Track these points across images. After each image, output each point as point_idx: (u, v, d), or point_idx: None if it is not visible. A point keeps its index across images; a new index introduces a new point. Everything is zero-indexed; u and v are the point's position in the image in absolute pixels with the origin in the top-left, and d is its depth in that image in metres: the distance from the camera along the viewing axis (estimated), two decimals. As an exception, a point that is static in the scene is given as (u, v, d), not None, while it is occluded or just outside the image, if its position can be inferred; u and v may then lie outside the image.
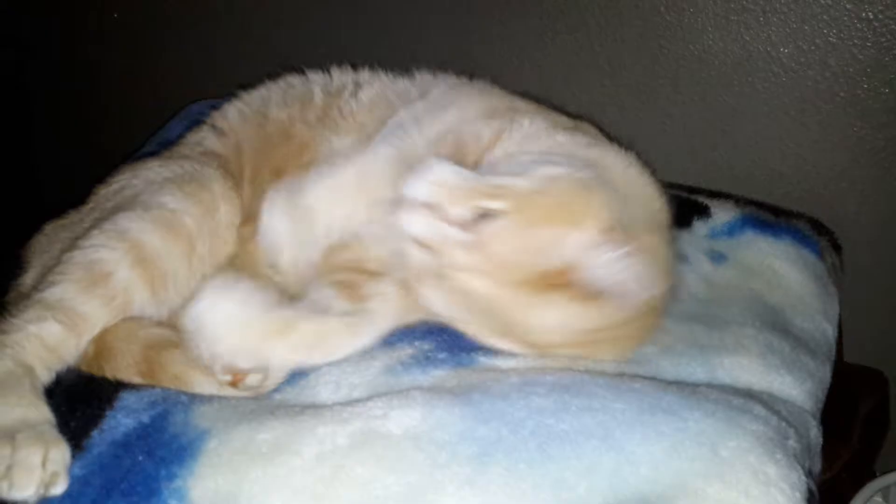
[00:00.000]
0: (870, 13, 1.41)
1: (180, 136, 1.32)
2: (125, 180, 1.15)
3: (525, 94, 1.20)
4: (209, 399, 0.89)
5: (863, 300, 1.46)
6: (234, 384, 0.92)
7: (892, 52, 1.42)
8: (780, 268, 1.18)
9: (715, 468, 0.75)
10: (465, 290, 0.89)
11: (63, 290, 0.97)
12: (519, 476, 0.76)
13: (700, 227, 1.26)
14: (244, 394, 0.92)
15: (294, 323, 0.91)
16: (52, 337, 0.94)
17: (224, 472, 0.79)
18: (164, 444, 0.82)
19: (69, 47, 2.28)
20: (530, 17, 1.69)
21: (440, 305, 0.93)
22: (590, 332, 0.90)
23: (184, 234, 1.07)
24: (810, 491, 0.77)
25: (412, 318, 1.01)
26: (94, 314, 0.98)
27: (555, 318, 0.89)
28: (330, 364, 0.94)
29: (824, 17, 1.45)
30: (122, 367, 0.97)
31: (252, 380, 0.92)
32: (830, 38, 1.45)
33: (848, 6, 1.42)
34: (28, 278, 1.08)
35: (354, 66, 1.29)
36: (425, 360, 0.93)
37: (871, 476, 1.40)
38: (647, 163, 1.07)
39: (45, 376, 0.93)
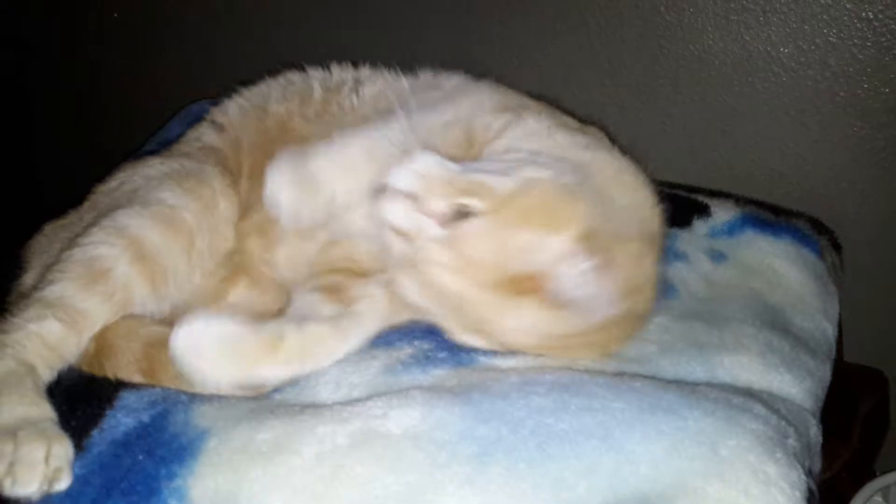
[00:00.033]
0: (870, 13, 1.41)
1: (180, 136, 1.32)
2: (124, 178, 1.16)
3: (527, 95, 1.20)
4: (209, 398, 0.89)
5: (863, 300, 1.46)
6: None
7: (892, 52, 1.42)
8: (780, 267, 1.18)
9: (715, 467, 0.75)
10: (436, 285, 0.89)
11: (63, 288, 0.97)
12: (519, 475, 0.76)
13: (700, 227, 1.26)
14: (244, 394, 0.92)
15: (281, 338, 0.89)
16: (53, 335, 0.94)
17: (224, 471, 0.79)
18: (165, 444, 0.82)
19: (69, 47, 2.28)
20: (530, 17, 1.69)
21: (414, 296, 0.93)
22: (561, 337, 0.90)
23: (183, 230, 1.07)
24: (810, 490, 0.77)
25: (400, 318, 1.01)
26: (95, 311, 0.98)
27: (524, 322, 0.89)
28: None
29: (824, 16, 1.45)
30: (123, 365, 0.97)
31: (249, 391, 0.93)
32: (830, 38, 1.45)
33: (848, 6, 1.42)
34: (28, 278, 1.08)
35: (355, 65, 1.29)
36: (425, 360, 0.93)
37: (871, 476, 1.40)
38: (647, 164, 1.07)
39: (47, 375, 0.93)
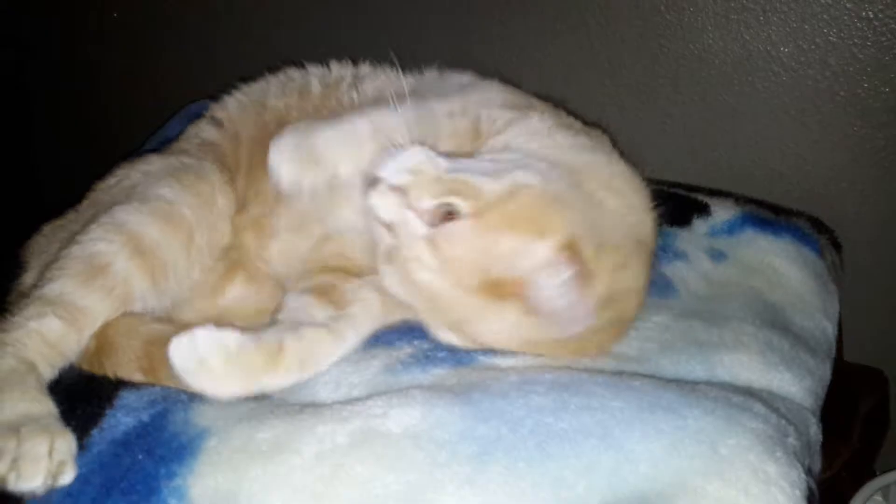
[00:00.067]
0: (870, 12, 1.41)
1: (180, 134, 1.33)
2: (122, 175, 1.16)
3: (533, 96, 1.20)
4: (209, 398, 0.89)
5: (863, 300, 1.46)
6: None
7: (892, 52, 1.42)
8: (780, 266, 1.18)
9: (714, 466, 0.75)
10: (416, 282, 0.90)
11: (62, 285, 0.97)
12: (518, 475, 0.76)
13: (700, 226, 1.26)
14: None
15: (280, 349, 0.88)
16: (53, 333, 0.94)
17: (224, 470, 0.79)
18: (164, 443, 0.82)
19: (69, 47, 2.28)
20: (530, 17, 1.69)
21: (396, 289, 0.94)
22: (537, 342, 0.91)
23: (182, 226, 1.07)
24: (810, 489, 0.77)
25: (395, 317, 1.01)
26: (95, 307, 0.98)
27: (502, 326, 0.90)
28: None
29: (824, 16, 1.45)
30: (124, 363, 0.97)
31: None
32: (831, 38, 1.45)
33: (848, 5, 1.42)
34: (27, 278, 1.09)
35: (354, 64, 1.29)
36: (425, 359, 0.93)
37: (871, 475, 1.40)
38: (644, 167, 1.07)
39: (48, 373, 0.93)
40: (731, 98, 1.57)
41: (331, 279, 1.03)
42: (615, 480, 0.75)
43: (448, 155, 0.96)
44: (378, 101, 1.12)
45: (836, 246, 1.33)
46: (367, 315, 0.99)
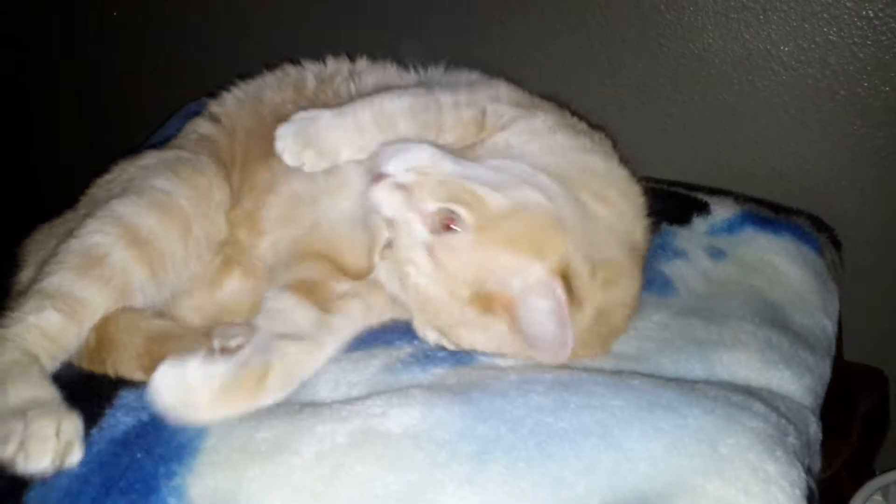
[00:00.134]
0: (870, 11, 1.41)
1: (178, 133, 1.33)
2: (119, 170, 1.16)
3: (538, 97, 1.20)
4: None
5: (863, 299, 1.46)
6: None
7: (892, 51, 1.41)
8: (780, 264, 1.18)
9: (714, 465, 0.75)
10: (411, 284, 0.90)
11: (60, 279, 0.97)
12: (518, 474, 0.76)
13: (700, 224, 1.26)
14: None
15: (265, 374, 0.86)
16: (53, 326, 0.95)
17: (223, 470, 0.79)
18: (163, 442, 0.82)
19: (69, 47, 2.28)
20: (530, 17, 1.69)
21: (389, 284, 0.95)
22: (523, 355, 0.91)
23: (179, 216, 1.07)
24: (810, 488, 0.77)
25: (385, 317, 1.02)
26: (93, 299, 0.98)
27: (487, 338, 0.91)
28: (328, 362, 0.94)
29: (824, 15, 1.44)
30: (124, 360, 0.97)
31: None
32: (831, 37, 1.45)
33: (848, 4, 1.42)
34: (25, 276, 1.09)
35: (352, 61, 1.29)
36: (425, 359, 0.93)
37: (871, 474, 1.39)
38: (646, 165, 1.07)
39: (50, 365, 0.93)
40: (731, 97, 1.57)
41: (315, 273, 1.02)
42: (615, 480, 0.75)
43: (453, 152, 0.96)
44: (380, 91, 1.11)
45: (836, 244, 1.33)
46: (350, 323, 0.98)
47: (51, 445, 0.81)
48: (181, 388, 0.82)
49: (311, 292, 0.98)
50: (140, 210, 1.04)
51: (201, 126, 1.26)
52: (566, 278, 0.86)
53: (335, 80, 1.23)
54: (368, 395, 0.87)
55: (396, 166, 0.91)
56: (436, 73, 1.25)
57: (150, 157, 1.16)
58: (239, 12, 2.00)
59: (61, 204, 1.19)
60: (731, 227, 1.25)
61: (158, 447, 0.82)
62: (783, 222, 1.25)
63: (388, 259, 0.93)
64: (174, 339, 0.98)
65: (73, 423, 0.84)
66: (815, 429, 0.94)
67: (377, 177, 0.92)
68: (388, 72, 1.25)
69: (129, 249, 1.01)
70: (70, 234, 1.03)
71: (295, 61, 1.30)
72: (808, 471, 0.80)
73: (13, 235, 1.18)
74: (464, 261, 0.88)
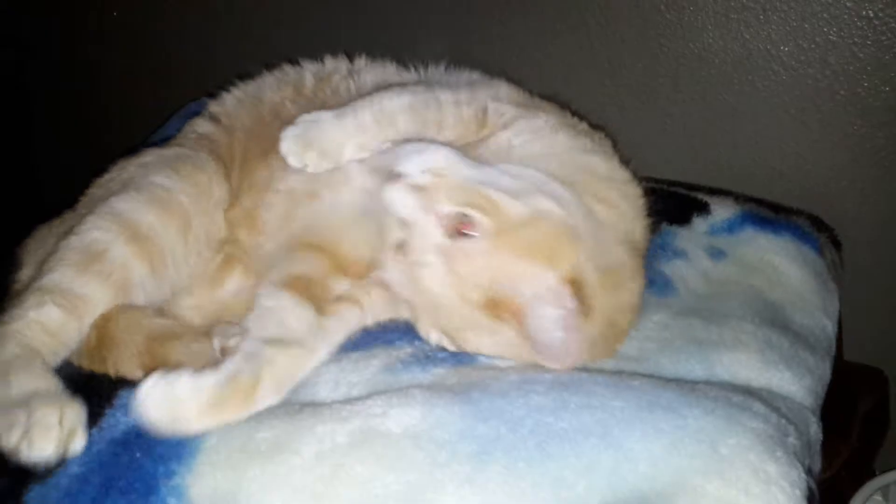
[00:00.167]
0: (870, 11, 1.41)
1: (178, 132, 1.33)
2: (119, 169, 1.16)
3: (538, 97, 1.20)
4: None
5: (863, 299, 1.45)
6: None
7: (892, 51, 1.41)
8: (780, 264, 1.18)
9: (715, 465, 0.75)
10: (424, 287, 0.90)
11: (60, 275, 0.98)
12: (518, 474, 0.76)
13: (700, 224, 1.26)
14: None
15: (255, 385, 0.85)
16: (53, 321, 0.95)
17: (223, 470, 0.79)
18: (163, 442, 0.82)
19: (69, 47, 2.28)
20: (530, 17, 1.69)
21: (398, 285, 0.94)
22: (529, 360, 0.91)
23: (179, 212, 1.08)
24: (810, 489, 0.77)
25: (381, 317, 1.01)
26: (93, 295, 0.98)
27: (495, 342, 0.91)
28: (328, 363, 0.94)
29: (824, 15, 1.44)
30: (125, 358, 0.97)
31: None
32: (831, 37, 1.45)
33: (848, 4, 1.42)
34: (24, 275, 1.09)
35: (351, 61, 1.29)
36: (425, 359, 0.93)
37: (871, 475, 1.39)
38: (646, 165, 1.07)
39: (51, 360, 0.94)
40: (731, 97, 1.57)
41: (312, 267, 1.01)
42: (615, 480, 0.75)
43: (469, 157, 0.95)
44: (380, 89, 1.12)
45: (836, 244, 1.33)
46: (343, 327, 0.97)
47: (54, 433, 0.81)
48: (169, 402, 0.81)
49: (307, 290, 0.97)
50: (139, 206, 1.05)
51: (201, 126, 1.27)
52: (577, 287, 0.86)
53: (333, 79, 1.23)
54: (368, 395, 0.87)
55: (413, 167, 0.91)
56: (436, 72, 1.25)
57: (149, 155, 1.17)
58: (239, 12, 2.00)
59: (61, 204, 1.19)
60: (731, 227, 1.25)
61: (158, 447, 0.82)
62: (783, 222, 1.25)
63: (400, 260, 0.92)
64: (175, 337, 0.98)
65: (75, 412, 0.84)
66: (815, 429, 0.94)
67: (393, 176, 0.91)
68: (388, 70, 1.25)
69: (129, 245, 1.02)
70: (70, 231, 1.03)
71: (294, 61, 1.30)
72: (809, 471, 0.80)
73: (13, 235, 1.18)
74: (477, 266, 0.87)
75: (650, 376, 0.90)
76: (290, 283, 0.98)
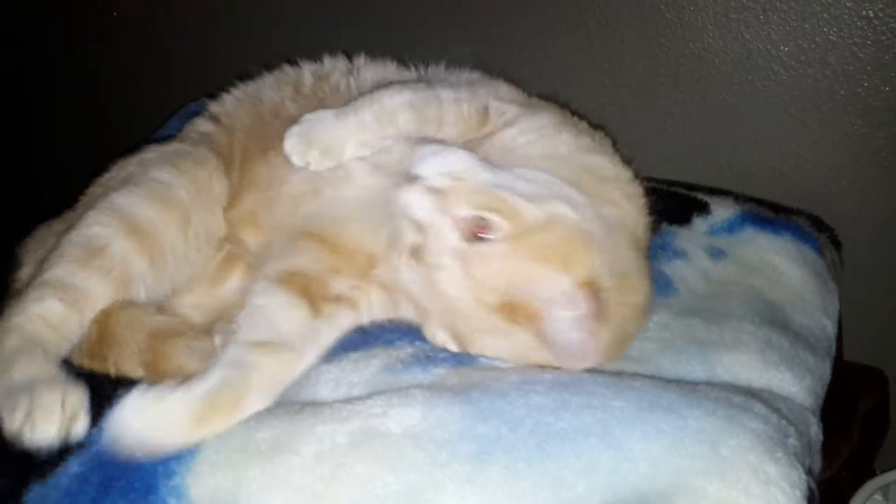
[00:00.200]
0: (870, 11, 1.41)
1: (178, 131, 1.33)
2: (119, 167, 1.17)
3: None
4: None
5: (863, 299, 1.45)
6: None
7: (892, 51, 1.41)
8: (780, 264, 1.17)
9: (715, 466, 0.75)
10: (440, 291, 0.90)
11: (61, 270, 0.98)
12: (518, 474, 0.76)
13: (700, 224, 1.26)
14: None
15: (244, 396, 0.84)
16: (54, 315, 0.95)
17: (223, 470, 0.79)
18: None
19: (69, 47, 2.28)
20: (530, 17, 1.68)
21: (411, 287, 0.94)
22: (542, 363, 0.91)
23: (179, 207, 1.08)
24: (810, 489, 0.77)
25: (380, 317, 1.01)
26: (95, 289, 0.99)
27: (509, 346, 0.91)
28: (328, 363, 0.94)
29: (824, 15, 1.44)
30: (126, 356, 0.97)
31: None
32: (831, 37, 1.45)
33: (848, 4, 1.42)
34: (24, 274, 1.09)
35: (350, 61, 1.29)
36: (426, 359, 0.93)
37: (871, 474, 1.39)
38: (646, 165, 1.07)
39: (53, 353, 0.94)
40: (731, 97, 1.57)
41: (312, 260, 1.01)
42: (615, 480, 0.75)
43: (484, 160, 0.95)
44: (380, 87, 1.12)
45: (836, 244, 1.33)
46: (336, 330, 0.96)
47: (56, 416, 0.82)
48: (151, 421, 0.79)
49: (304, 287, 0.97)
50: (139, 201, 1.05)
51: (201, 125, 1.27)
52: (593, 291, 0.86)
53: (333, 77, 1.24)
54: (369, 395, 0.87)
55: (430, 170, 0.91)
56: (436, 72, 1.25)
57: (149, 152, 1.17)
58: (239, 12, 2.00)
59: (61, 204, 1.20)
60: (731, 227, 1.25)
61: (158, 447, 0.82)
62: (783, 222, 1.25)
63: (414, 262, 0.92)
64: (177, 335, 0.98)
65: (78, 395, 0.85)
66: (815, 430, 0.94)
67: (410, 179, 0.91)
68: (388, 69, 1.25)
69: (129, 240, 1.02)
70: (71, 227, 1.04)
71: (294, 62, 1.30)
72: (809, 472, 0.80)
73: (13, 235, 1.18)
74: (494, 269, 0.87)
75: (651, 377, 0.90)
76: (287, 279, 0.97)
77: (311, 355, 0.92)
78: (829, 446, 0.98)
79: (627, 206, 1.01)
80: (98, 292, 0.99)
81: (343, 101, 1.13)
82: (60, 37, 2.29)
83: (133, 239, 1.02)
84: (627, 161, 1.08)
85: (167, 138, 1.35)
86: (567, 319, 0.85)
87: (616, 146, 1.12)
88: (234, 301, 1.10)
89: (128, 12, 2.16)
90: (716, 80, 1.57)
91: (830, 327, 1.12)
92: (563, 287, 0.85)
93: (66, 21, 2.26)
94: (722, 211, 1.27)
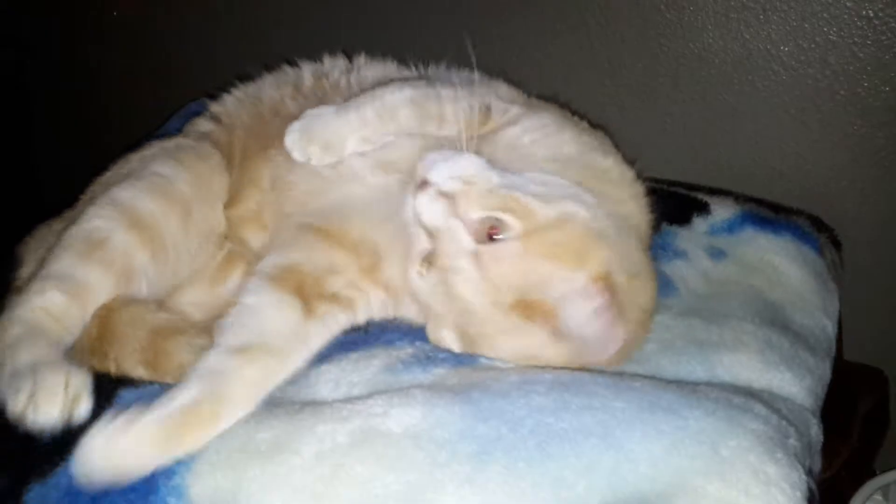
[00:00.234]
0: (870, 11, 1.41)
1: (179, 131, 1.34)
2: (120, 164, 1.17)
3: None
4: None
5: (863, 299, 1.45)
6: None
7: (892, 51, 1.41)
8: (780, 264, 1.17)
9: (715, 467, 0.75)
10: (455, 293, 0.89)
11: (62, 263, 0.99)
12: (518, 475, 0.76)
13: (700, 224, 1.26)
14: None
15: (220, 412, 0.82)
16: (56, 306, 0.96)
17: (223, 470, 0.79)
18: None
19: (69, 47, 2.28)
20: (530, 17, 1.69)
21: (423, 291, 0.93)
22: (546, 362, 0.91)
23: (180, 200, 1.08)
24: (810, 490, 0.77)
25: (374, 316, 1.01)
26: (96, 282, 0.99)
27: (525, 345, 0.90)
28: (328, 363, 0.94)
29: (824, 14, 1.44)
30: (127, 353, 0.97)
31: None
32: (831, 36, 1.45)
33: (848, 4, 1.42)
34: (25, 272, 1.09)
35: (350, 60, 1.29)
36: (426, 359, 0.93)
37: (871, 474, 1.39)
38: (646, 165, 1.07)
39: (56, 342, 0.94)
40: (731, 97, 1.57)
41: (308, 256, 1.00)
42: (615, 480, 0.75)
43: (490, 162, 0.95)
44: (380, 85, 1.12)
45: (836, 244, 1.33)
46: (327, 333, 0.96)
47: (59, 398, 0.83)
48: (120, 449, 0.78)
49: (298, 285, 0.96)
50: (140, 194, 1.06)
51: (202, 125, 1.27)
52: (608, 283, 0.86)
53: (333, 75, 1.24)
54: (369, 395, 0.87)
55: (440, 175, 0.91)
56: (436, 71, 1.25)
57: (150, 148, 1.18)
58: (239, 12, 2.00)
59: (61, 204, 1.20)
60: (731, 227, 1.25)
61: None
62: (783, 222, 1.25)
63: (429, 268, 0.92)
64: (179, 333, 0.98)
65: (81, 377, 0.86)
66: (816, 430, 0.94)
67: (420, 185, 0.91)
68: (388, 67, 1.25)
69: (130, 233, 1.02)
70: (72, 222, 1.04)
71: (294, 62, 1.30)
72: (809, 472, 0.80)
73: (13, 235, 1.18)
74: (508, 269, 0.87)
75: (651, 377, 0.90)
76: (281, 277, 0.97)
77: (299, 359, 0.92)
78: (829, 446, 0.98)
79: (633, 205, 1.01)
80: (100, 285, 0.99)
81: (343, 99, 1.13)
82: (60, 37, 2.29)
83: (134, 232, 1.03)
84: (630, 161, 1.08)
85: (167, 137, 1.35)
86: (584, 313, 0.85)
87: (617, 146, 1.12)
88: (235, 300, 1.10)
89: (128, 12, 2.16)
90: (716, 80, 1.57)
91: (830, 327, 1.12)
92: (577, 282, 0.86)
93: (66, 21, 2.26)
94: (722, 211, 1.27)
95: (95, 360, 0.98)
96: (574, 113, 1.16)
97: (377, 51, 1.30)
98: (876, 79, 1.45)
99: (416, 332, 0.98)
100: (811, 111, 1.52)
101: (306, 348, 0.93)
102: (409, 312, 1.00)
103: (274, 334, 0.91)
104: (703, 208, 1.28)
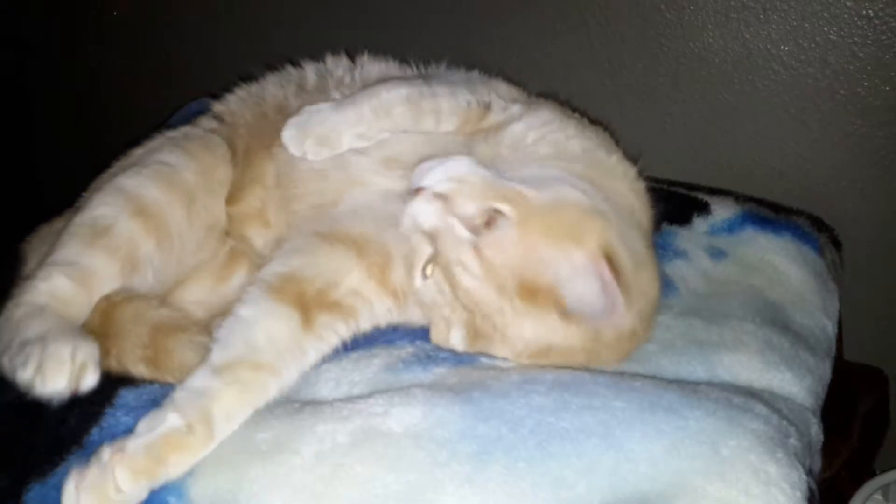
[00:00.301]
0: (870, 11, 1.41)
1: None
2: (126, 157, 1.18)
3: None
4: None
5: (863, 299, 1.45)
6: None
7: (892, 50, 1.41)
8: (780, 264, 1.17)
9: (715, 467, 0.75)
10: (462, 288, 0.90)
11: (68, 250, 0.99)
12: (518, 474, 0.76)
13: (700, 224, 1.26)
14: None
15: (211, 428, 0.81)
16: (62, 290, 0.96)
17: (223, 470, 0.79)
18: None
19: (69, 47, 2.28)
20: (530, 17, 1.68)
21: (431, 293, 0.94)
22: (564, 352, 0.90)
23: (184, 188, 1.09)
24: (811, 490, 0.77)
25: (380, 323, 1.01)
26: (102, 268, 1.00)
27: (536, 332, 0.90)
28: (329, 362, 0.94)
29: (824, 14, 1.44)
30: (128, 350, 0.97)
31: None
32: (831, 36, 1.45)
33: (848, 4, 1.42)
34: (28, 270, 1.09)
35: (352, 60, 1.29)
36: (426, 358, 0.93)
37: (871, 474, 1.39)
38: (646, 164, 1.07)
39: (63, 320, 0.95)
40: (732, 97, 1.57)
41: (311, 262, 0.99)
42: (615, 480, 0.75)
43: (485, 150, 0.97)
44: (381, 82, 1.12)
45: (836, 244, 1.33)
46: (324, 349, 0.94)
47: (66, 367, 0.84)
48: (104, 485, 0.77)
49: (298, 295, 0.94)
50: (145, 182, 1.06)
51: (205, 124, 1.27)
52: (609, 258, 0.86)
53: (336, 73, 1.24)
54: (370, 394, 0.87)
55: (433, 178, 0.92)
56: (436, 71, 1.26)
57: (156, 139, 1.19)
58: (239, 12, 2.00)
59: (61, 204, 1.20)
60: (731, 227, 1.25)
61: (159, 447, 0.81)
62: (783, 222, 1.25)
63: (430, 273, 0.92)
64: (181, 330, 0.97)
65: (88, 347, 0.87)
66: (816, 430, 0.94)
67: (415, 191, 0.92)
68: (390, 66, 1.26)
69: (135, 220, 1.03)
70: (78, 211, 1.05)
71: (295, 62, 1.30)
72: (809, 472, 0.81)
73: (13, 235, 1.18)
74: (510, 254, 0.88)
75: (651, 377, 0.90)
76: (280, 287, 0.95)
77: (291, 375, 0.90)
78: (829, 446, 0.98)
79: (636, 200, 1.02)
80: (105, 271, 1.00)
81: (349, 93, 1.14)
82: (60, 37, 2.29)
83: (139, 219, 1.03)
84: (635, 159, 1.08)
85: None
86: (588, 290, 0.85)
87: (617, 143, 1.12)
88: (237, 299, 1.10)
89: (128, 12, 2.16)
90: (716, 80, 1.57)
91: (830, 327, 1.12)
92: (577, 260, 0.86)
93: (66, 21, 2.26)
94: (722, 211, 1.27)
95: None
96: (574, 110, 1.16)
97: (377, 51, 1.30)
98: (876, 78, 1.44)
99: (416, 332, 0.99)
100: (811, 111, 1.52)
101: (301, 363, 0.91)
102: (414, 316, 1.00)
103: (267, 349, 0.89)
104: (704, 208, 1.28)
